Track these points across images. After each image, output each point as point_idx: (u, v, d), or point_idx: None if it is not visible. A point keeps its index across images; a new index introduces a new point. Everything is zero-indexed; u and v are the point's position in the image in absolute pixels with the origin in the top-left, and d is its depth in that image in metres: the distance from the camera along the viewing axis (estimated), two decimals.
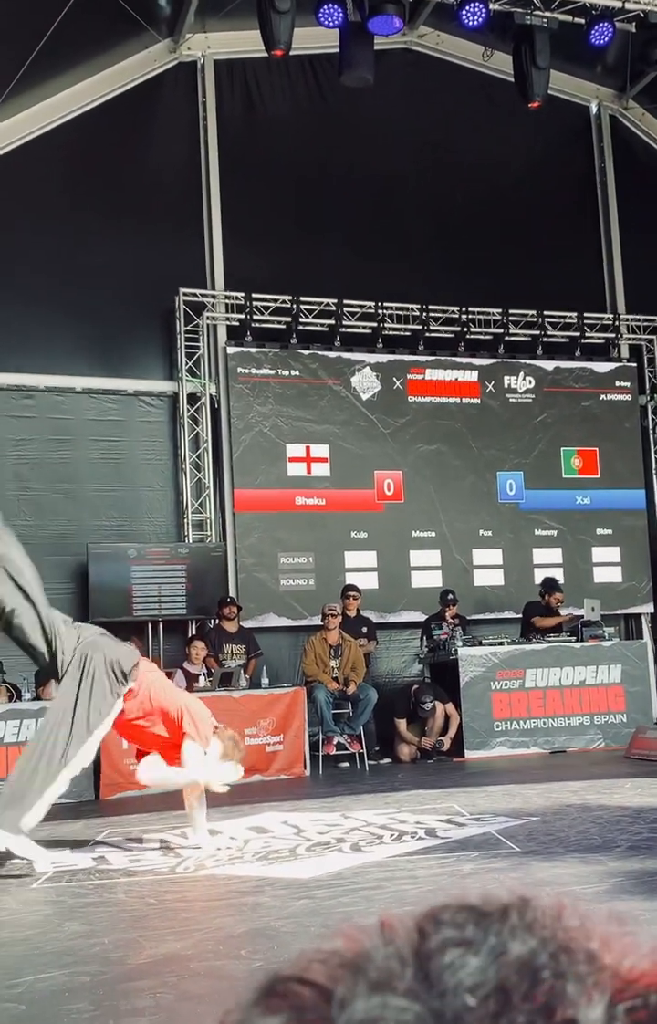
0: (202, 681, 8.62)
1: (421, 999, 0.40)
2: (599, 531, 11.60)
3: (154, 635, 9.92)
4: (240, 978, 3.17)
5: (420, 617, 10.48)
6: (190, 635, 9.84)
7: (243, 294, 10.57)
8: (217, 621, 9.77)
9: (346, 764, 8.95)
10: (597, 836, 5.13)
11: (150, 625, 9.90)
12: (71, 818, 6.86)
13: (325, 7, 9.03)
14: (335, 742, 8.78)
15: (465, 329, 11.26)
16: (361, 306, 10.93)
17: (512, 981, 0.41)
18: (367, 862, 4.85)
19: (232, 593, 10.03)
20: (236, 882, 4.63)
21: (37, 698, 8.10)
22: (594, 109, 12.52)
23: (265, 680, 8.64)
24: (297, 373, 10.76)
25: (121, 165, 10.51)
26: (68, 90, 10.34)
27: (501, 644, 9.40)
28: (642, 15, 9.60)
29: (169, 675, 8.53)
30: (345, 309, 10.84)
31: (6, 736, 7.52)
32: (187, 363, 10.47)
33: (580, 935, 0.43)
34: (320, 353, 10.86)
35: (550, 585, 10.22)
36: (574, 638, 9.65)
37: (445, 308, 11.19)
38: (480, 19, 9.42)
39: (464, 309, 11.21)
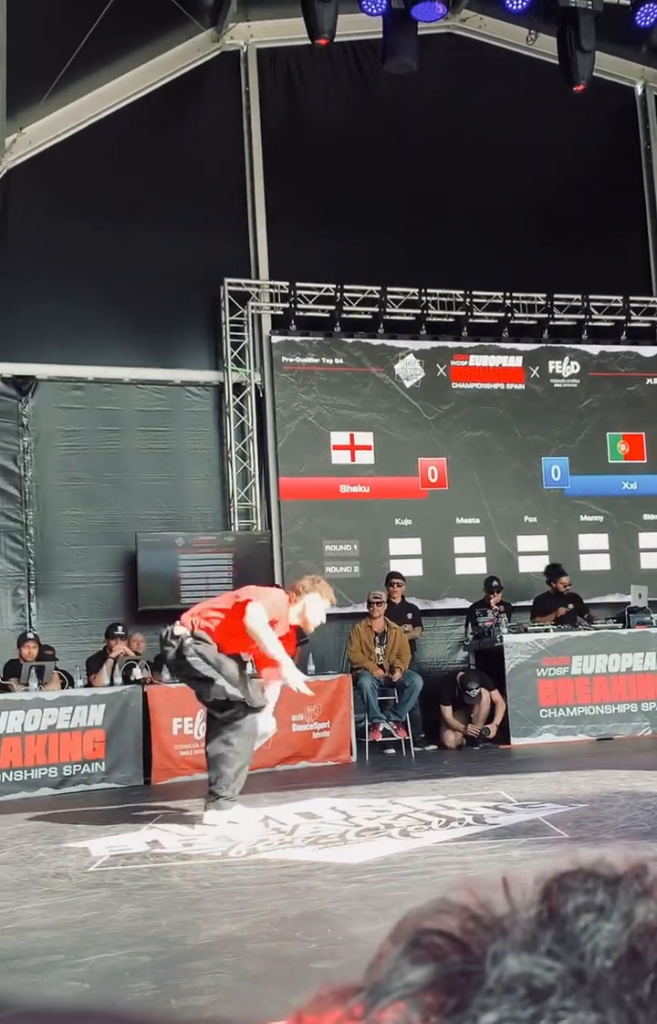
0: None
1: (563, 959, 0.44)
2: (646, 516, 11.55)
3: None
4: (296, 959, 3.25)
5: (465, 604, 10.51)
6: None
7: (287, 283, 10.61)
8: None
9: (392, 751, 9.02)
10: (645, 823, 5.16)
11: None
12: (123, 803, 7.00)
13: None
14: (381, 729, 8.85)
15: (509, 315, 11.23)
16: (404, 293, 10.93)
17: (644, 944, 0.44)
18: (415, 848, 4.91)
19: (277, 581, 10.11)
20: (288, 866, 4.72)
21: (88, 685, 8.24)
22: (639, 90, 12.38)
23: (311, 667, 8.70)
24: (341, 361, 10.80)
25: (165, 156, 10.57)
26: (113, 82, 10.42)
27: (546, 631, 9.41)
28: None
29: None
30: (388, 296, 10.85)
31: (59, 723, 7.67)
32: (232, 353, 10.54)
33: None
34: (364, 341, 10.89)
35: (554, 571, 10.19)
36: (621, 624, 9.64)
37: (489, 294, 11.16)
38: (524, 3, 9.37)
39: (508, 294, 11.18)
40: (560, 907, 0.46)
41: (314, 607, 6.03)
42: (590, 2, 9.46)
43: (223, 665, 5.76)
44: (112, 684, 8.17)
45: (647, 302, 11.81)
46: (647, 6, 9.63)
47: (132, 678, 8.28)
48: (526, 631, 9.42)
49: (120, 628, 8.83)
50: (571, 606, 10.00)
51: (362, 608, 9.61)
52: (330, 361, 10.77)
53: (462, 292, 11.06)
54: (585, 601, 10.30)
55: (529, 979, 0.43)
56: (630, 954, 0.44)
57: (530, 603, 10.42)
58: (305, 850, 5.05)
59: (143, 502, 10.25)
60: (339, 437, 10.71)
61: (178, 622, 5.93)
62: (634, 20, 10.18)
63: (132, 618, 9.65)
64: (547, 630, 9.43)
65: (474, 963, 0.44)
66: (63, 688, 8.19)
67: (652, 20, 10.27)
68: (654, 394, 11.73)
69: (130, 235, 10.32)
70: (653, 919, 0.45)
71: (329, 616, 10.30)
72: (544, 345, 11.43)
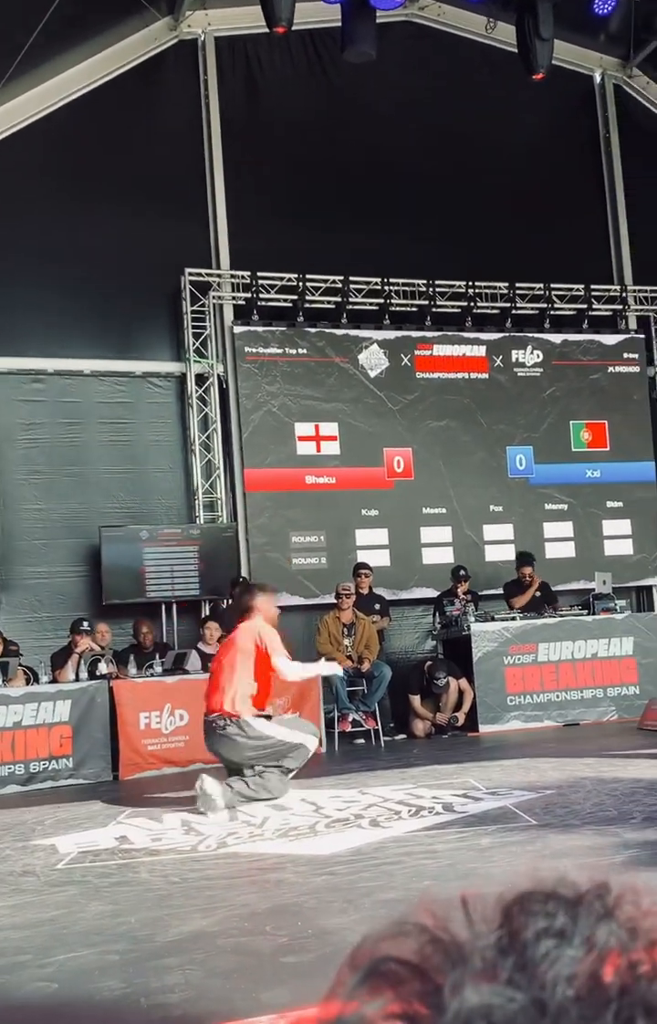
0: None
1: (523, 989, 0.42)
2: (610, 504, 11.62)
3: (168, 616, 9.99)
4: (267, 953, 3.24)
5: (432, 594, 10.53)
6: (204, 615, 9.91)
7: (249, 273, 10.55)
8: (230, 601, 9.82)
9: (361, 741, 9.03)
10: (612, 808, 5.19)
11: (163, 606, 9.97)
12: (91, 799, 6.95)
13: None
14: (350, 719, 8.85)
15: (472, 304, 11.23)
16: (367, 282, 10.90)
17: (606, 971, 0.42)
18: (386, 838, 4.91)
19: (244, 573, 10.08)
20: (257, 859, 4.70)
21: (54, 681, 8.17)
22: (598, 79, 12.41)
23: None
24: (304, 351, 10.75)
25: (125, 145, 10.46)
26: (69, 70, 10.29)
27: (513, 619, 9.45)
28: None
29: (183, 656, 8.63)
30: (351, 286, 10.82)
31: (24, 719, 7.60)
32: (194, 343, 10.47)
33: None
34: (327, 331, 10.85)
35: (524, 559, 10.24)
36: (586, 611, 9.69)
37: (451, 283, 11.15)
38: None
39: (470, 283, 11.18)
40: (521, 932, 0.44)
41: (268, 607, 6.55)
42: None
43: (268, 733, 6.13)
44: (77, 679, 8.10)
45: (608, 290, 11.85)
46: None
47: (97, 673, 8.21)
48: (493, 619, 9.45)
49: (85, 623, 8.76)
50: (539, 594, 10.05)
51: (330, 599, 9.60)
52: (293, 351, 10.73)
53: (425, 281, 11.05)
54: (552, 588, 10.34)
55: (489, 1012, 0.41)
56: (592, 982, 0.42)
57: (499, 591, 10.46)
58: (275, 843, 5.04)
59: (106, 495, 10.17)
60: (304, 428, 10.68)
61: (217, 710, 6.17)
62: (592, 8, 10.20)
63: (97, 612, 9.58)
64: (514, 618, 9.47)
65: (433, 994, 0.42)
66: (28, 684, 8.12)
67: (610, 8, 10.30)
68: (616, 382, 11.79)
69: (89, 226, 10.20)
70: (615, 943, 0.44)
71: (297, 607, 10.38)
72: (507, 334, 11.45)
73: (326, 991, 0.44)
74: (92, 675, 8.18)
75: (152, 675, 8.41)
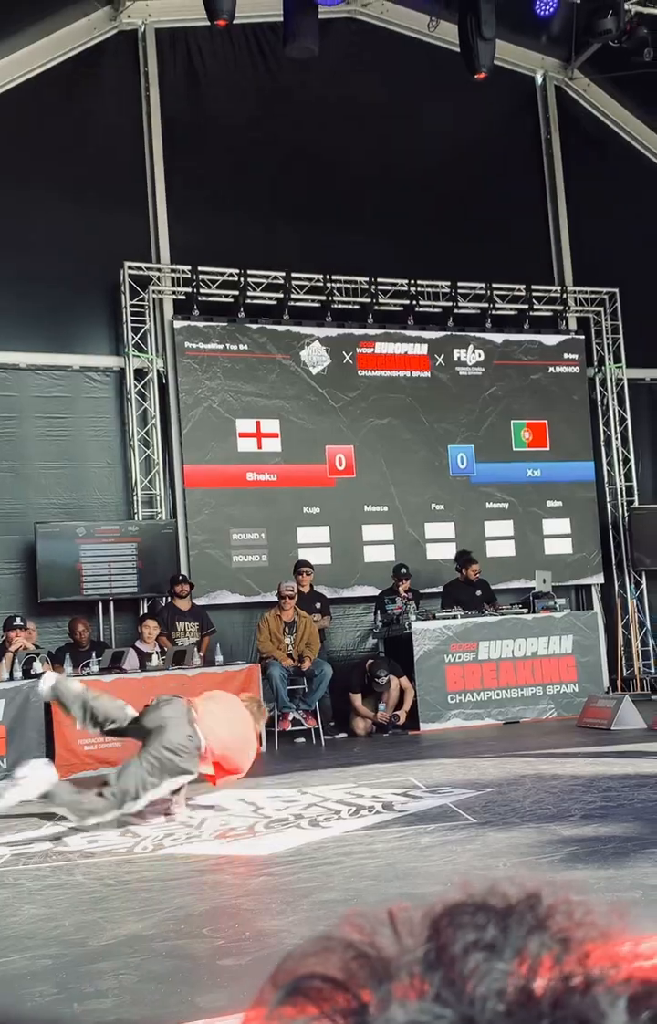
0: (155, 660, 8.57)
1: (451, 1005, 0.39)
2: (549, 503, 11.69)
3: (105, 614, 9.85)
4: (203, 956, 3.16)
5: (374, 592, 10.51)
6: (142, 614, 9.78)
7: (189, 267, 10.43)
8: (169, 599, 9.71)
9: (302, 740, 8.97)
10: (551, 806, 5.19)
11: (101, 604, 9.83)
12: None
13: None
14: (291, 718, 8.79)
15: (414, 302, 11.23)
16: (309, 279, 10.84)
17: (537, 985, 0.40)
18: (325, 838, 4.86)
19: (184, 571, 9.97)
20: (195, 861, 4.62)
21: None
22: (540, 80, 12.48)
23: (219, 657, 8.61)
24: (245, 347, 10.67)
25: (62, 136, 10.29)
26: (5, 59, 10.09)
27: (454, 617, 9.46)
28: None
29: (120, 655, 8.49)
30: (293, 282, 10.75)
31: None
32: (133, 338, 10.33)
33: (592, 933, 0.42)
34: (268, 327, 10.77)
35: (464, 558, 10.27)
36: (526, 610, 9.74)
37: (394, 281, 11.14)
38: None
39: (412, 282, 11.18)
40: (449, 945, 0.41)
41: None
42: None
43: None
44: (11, 678, 7.93)
45: (549, 291, 11.93)
46: None
47: (32, 672, 8.05)
48: (434, 618, 9.45)
49: (18, 620, 8.60)
50: (479, 593, 10.08)
51: (271, 597, 9.53)
52: (234, 347, 10.64)
53: (366, 279, 11.02)
54: (492, 587, 10.38)
55: None
56: (523, 996, 0.40)
57: (439, 590, 10.45)
58: (213, 844, 4.96)
59: (42, 491, 9.99)
60: (245, 424, 10.59)
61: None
62: (534, 9, 10.24)
63: (32, 610, 9.41)
64: (455, 616, 9.48)
65: (359, 1011, 0.39)
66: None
67: (552, 10, 10.35)
68: (556, 382, 11.86)
69: (26, 217, 10.03)
70: (547, 955, 0.41)
71: (237, 606, 10.31)
72: (449, 333, 11.47)
73: (248, 1008, 0.41)
74: (27, 674, 8.02)
75: (88, 674, 8.27)
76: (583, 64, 12.27)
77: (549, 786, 5.74)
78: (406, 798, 5.69)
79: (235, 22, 9.23)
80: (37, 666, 8.09)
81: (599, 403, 12.20)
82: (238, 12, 9.05)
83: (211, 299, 10.56)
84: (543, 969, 0.40)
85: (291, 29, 9.39)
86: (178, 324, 10.45)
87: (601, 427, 12.16)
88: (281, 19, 9.53)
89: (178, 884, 4.19)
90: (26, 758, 7.62)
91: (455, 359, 11.47)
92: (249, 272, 10.55)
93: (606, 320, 12.17)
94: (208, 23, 9.22)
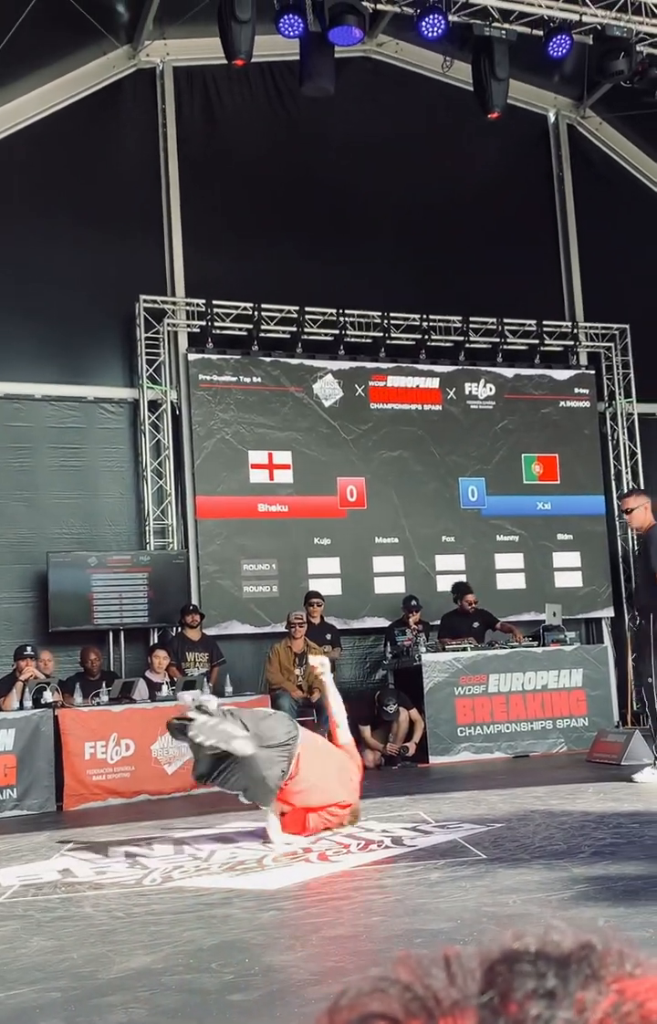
0: (165, 690, 8.58)
1: None
2: (560, 536, 11.70)
3: (115, 644, 9.88)
4: (213, 991, 3.16)
5: (383, 623, 10.51)
6: (152, 643, 9.80)
7: (204, 301, 10.55)
8: (179, 629, 9.73)
9: None
10: (561, 842, 5.17)
11: (111, 634, 9.86)
12: (34, 830, 6.80)
13: (286, 17, 9.04)
14: None
15: (426, 336, 11.33)
16: (323, 313, 10.95)
17: None
18: (334, 872, 4.85)
19: (195, 601, 10.00)
20: (204, 894, 4.61)
21: None
22: (552, 118, 12.64)
23: (229, 688, 8.62)
24: (259, 380, 10.76)
25: (80, 172, 10.46)
26: (25, 96, 10.28)
27: (464, 649, 9.45)
28: (599, 28, 9.70)
29: (131, 685, 8.51)
30: (306, 316, 10.86)
31: None
32: (148, 370, 10.43)
33: (645, 983, 0.44)
34: (282, 360, 10.87)
35: (460, 589, 10.27)
36: (536, 643, 9.72)
37: (406, 315, 11.24)
38: (439, 31, 9.48)
39: (425, 316, 11.28)
40: (510, 992, 0.42)
41: None
42: (504, 31, 9.64)
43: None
44: (22, 708, 7.95)
45: (560, 326, 12.02)
46: (559, 37, 9.84)
47: (42, 701, 8.07)
48: (444, 650, 9.44)
49: (30, 649, 8.62)
50: (477, 624, 10.07)
51: (281, 628, 9.55)
52: (248, 380, 10.73)
53: (379, 313, 11.13)
54: (502, 620, 10.37)
55: None
56: None
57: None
58: (222, 877, 4.95)
59: (55, 521, 10.05)
60: (257, 456, 10.66)
61: None
62: (547, 51, 10.39)
63: (43, 639, 9.44)
64: (465, 648, 9.47)
65: None
66: None
67: (564, 51, 10.50)
68: (567, 416, 11.92)
69: (44, 251, 10.17)
70: (603, 1005, 0.42)
71: (247, 636, 10.31)
72: (460, 367, 11.55)
73: None
74: (37, 703, 8.04)
75: (99, 704, 8.28)
76: (595, 103, 12.44)
77: (559, 822, 5.71)
78: (415, 833, 5.67)
79: (251, 61, 9.39)
80: (47, 695, 8.12)
81: (610, 438, 12.24)
82: (255, 51, 9.22)
83: (225, 332, 10.67)
84: (599, 1018, 0.42)
85: (307, 69, 9.55)
86: (192, 357, 10.56)
87: (611, 461, 12.20)
88: (297, 58, 9.70)
89: (187, 917, 4.18)
90: (36, 788, 7.64)
91: (466, 393, 11.54)
92: (263, 306, 10.67)
93: (616, 356, 12.25)
94: (226, 62, 9.39)
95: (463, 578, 10.95)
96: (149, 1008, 3.04)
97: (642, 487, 12.15)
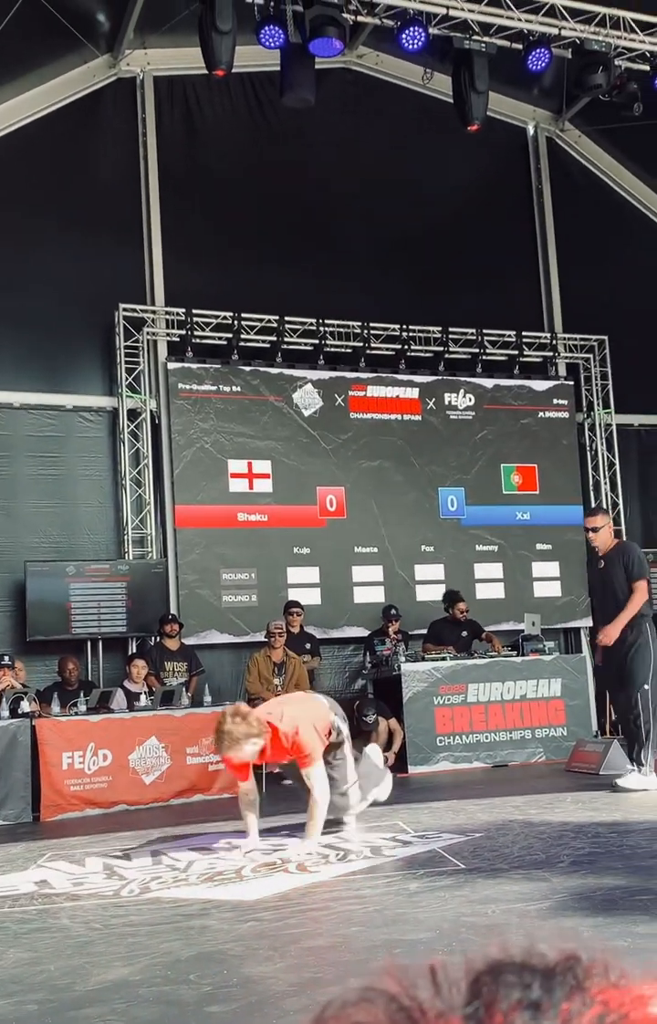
0: (143, 700, 8.54)
1: None
2: (539, 546, 11.74)
3: (93, 653, 9.83)
4: (190, 1003, 3.14)
5: (363, 633, 10.50)
6: (131, 653, 9.76)
7: (183, 310, 10.55)
8: (158, 639, 9.69)
9: (289, 782, 8.90)
10: (540, 852, 5.17)
11: (90, 643, 9.81)
12: (10, 841, 6.74)
13: (266, 28, 9.07)
14: None
15: (406, 347, 11.36)
16: (302, 323, 10.97)
17: None
18: (313, 883, 4.82)
19: (173, 610, 9.97)
20: (182, 905, 4.58)
21: None
22: (531, 131, 12.74)
23: (208, 698, 8.58)
24: (238, 389, 10.76)
25: (60, 180, 10.45)
26: (4, 104, 10.27)
27: (443, 659, 9.45)
28: (578, 42, 9.78)
29: (108, 694, 8.46)
30: (286, 326, 10.88)
31: None
32: (127, 379, 10.41)
33: (628, 995, 0.44)
34: (262, 369, 10.87)
35: (451, 598, 10.29)
36: (515, 652, 9.74)
37: (386, 325, 11.28)
38: (420, 43, 9.53)
39: (404, 327, 11.32)
40: (495, 1003, 0.42)
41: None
42: (483, 44, 9.70)
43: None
44: None
45: (539, 337, 12.08)
46: (538, 51, 9.91)
47: (19, 711, 8.01)
48: (423, 659, 9.44)
49: (6, 658, 8.57)
50: (465, 633, 10.08)
51: (260, 637, 9.53)
52: (227, 389, 10.73)
53: (359, 323, 11.16)
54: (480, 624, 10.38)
55: None
56: None
57: (427, 631, 10.44)
58: (200, 888, 4.92)
59: (33, 530, 10.01)
60: (237, 465, 10.65)
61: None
62: (526, 64, 10.46)
63: (21, 649, 9.39)
64: (444, 658, 9.47)
65: None
66: None
67: (543, 64, 10.58)
68: (546, 427, 11.98)
69: (23, 258, 10.15)
70: (587, 1016, 0.42)
71: (226, 646, 10.29)
72: (440, 377, 11.59)
73: None
74: (14, 713, 7.98)
75: (76, 714, 8.23)
76: (574, 116, 12.54)
77: (538, 832, 5.71)
78: (394, 843, 5.66)
79: (232, 71, 9.41)
80: (24, 705, 8.06)
81: (588, 448, 12.31)
82: (236, 62, 9.24)
83: (205, 341, 10.67)
84: None
85: (288, 79, 9.57)
86: (172, 366, 10.55)
87: (590, 472, 12.26)
88: (277, 68, 9.73)
89: (165, 929, 4.15)
90: (12, 798, 7.57)
91: (446, 403, 11.58)
92: (243, 315, 10.68)
93: (595, 367, 12.32)
94: (206, 72, 9.40)
95: (443, 588, 10.96)
96: (126, 1020, 3.01)
97: (619, 498, 12.21)
